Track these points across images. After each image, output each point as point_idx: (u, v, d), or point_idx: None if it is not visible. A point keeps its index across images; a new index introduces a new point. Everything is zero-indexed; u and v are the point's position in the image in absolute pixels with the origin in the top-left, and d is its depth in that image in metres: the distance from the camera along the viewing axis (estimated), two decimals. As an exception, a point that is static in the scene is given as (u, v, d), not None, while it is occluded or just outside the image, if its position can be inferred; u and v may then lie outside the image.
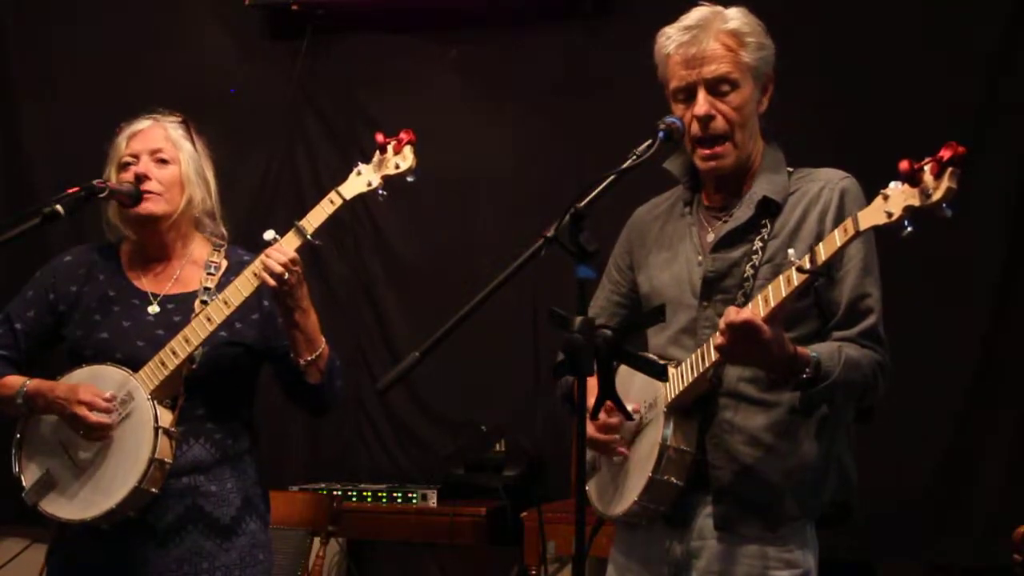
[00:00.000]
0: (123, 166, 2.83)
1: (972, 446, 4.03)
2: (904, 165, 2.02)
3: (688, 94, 2.45)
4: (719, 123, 2.44)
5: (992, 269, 4.03)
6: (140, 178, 2.79)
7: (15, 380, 2.78)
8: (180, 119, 2.91)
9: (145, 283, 2.86)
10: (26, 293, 2.88)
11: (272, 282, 2.66)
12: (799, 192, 2.47)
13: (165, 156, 2.83)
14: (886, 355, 2.40)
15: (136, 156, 2.82)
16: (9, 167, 5.02)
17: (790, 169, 2.52)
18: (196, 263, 2.88)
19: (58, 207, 2.66)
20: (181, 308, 2.81)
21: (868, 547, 3.94)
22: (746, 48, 2.44)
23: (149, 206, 2.80)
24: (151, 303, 2.83)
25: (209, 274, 2.85)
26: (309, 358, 2.77)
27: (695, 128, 2.45)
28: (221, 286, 2.81)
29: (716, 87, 2.43)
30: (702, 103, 2.43)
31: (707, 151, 2.46)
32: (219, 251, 2.90)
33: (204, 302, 2.78)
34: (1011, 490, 3.95)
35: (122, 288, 2.85)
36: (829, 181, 2.46)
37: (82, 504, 2.70)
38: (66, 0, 5.02)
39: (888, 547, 4.02)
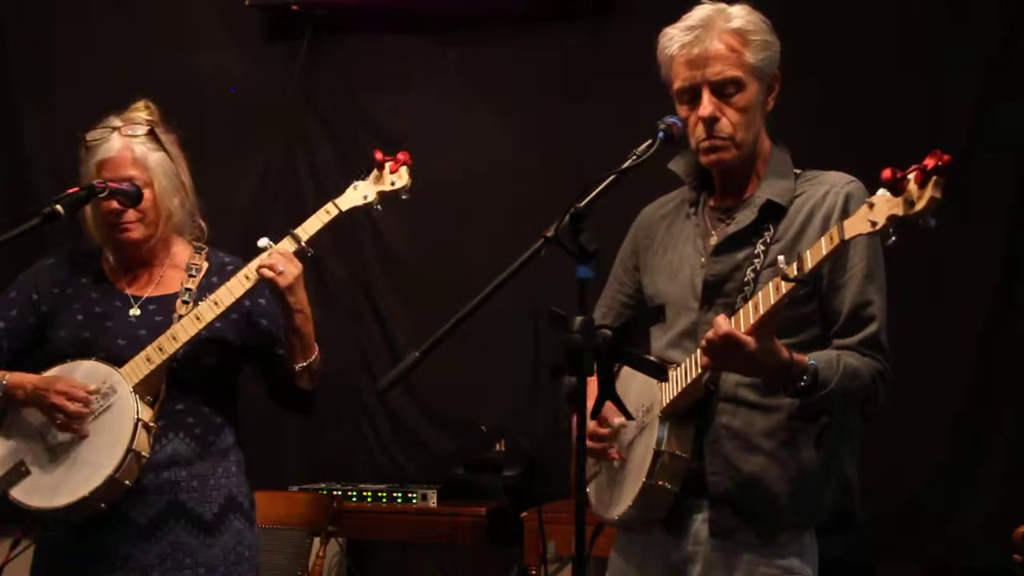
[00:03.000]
0: None
1: (972, 446, 4.02)
2: (887, 174, 1.99)
3: (692, 95, 2.43)
4: (724, 125, 2.42)
5: (992, 269, 4.03)
6: (117, 212, 2.80)
7: None
8: (146, 128, 2.87)
9: (127, 286, 2.89)
10: (9, 293, 2.91)
11: (269, 274, 2.73)
12: (804, 195, 2.44)
13: (137, 183, 2.82)
14: (888, 364, 2.38)
15: None
16: (9, 167, 5.02)
17: (797, 171, 2.50)
18: (177, 266, 2.92)
19: (58, 207, 2.67)
20: (162, 309, 2.85)
21: (868, 547, 3.94)
22: (750, 48, 2.41)
23: (131, 236, 2.84)
24: (132, 306, 2.86)
25: (190, 276, 2.89)
26: (303, 363, 2.84)
27: (700, 130, 2.43)
28: (202, 287, 2.87)
29: (721, 89, 2.40)
30: (707, 105, 2.41)
31: (708, 143, 2.44)
32: (200, 254, 2.94)
33: (185, 302, 2.83)
34: (1011, 490, 3.94)
35: (104, 291, 2.88)
36: (835, 185, 2.43)
37: (53, 492, 2.71)
38: (66, 0, 5.03)
39: (888, 547, 4.02)
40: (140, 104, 2.91)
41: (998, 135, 3.99)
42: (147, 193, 2.83)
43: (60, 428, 2.72)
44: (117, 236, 2.84)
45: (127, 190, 2.79)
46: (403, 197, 2.91)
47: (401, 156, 2.90)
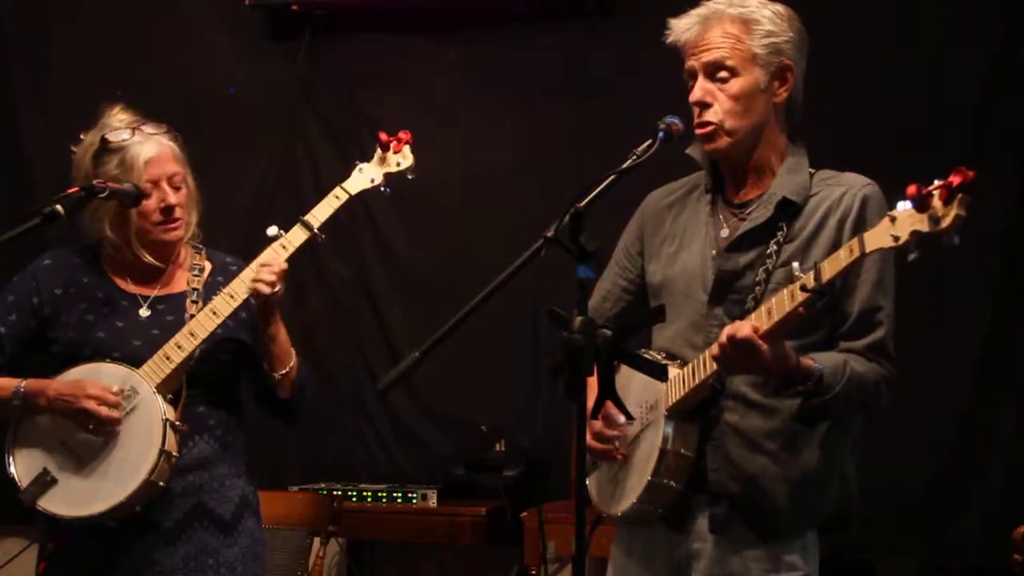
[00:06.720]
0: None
1: (973, 446, 4.02)
2: (912, 190, 1.97)
3: (695, 80, 2.45)
4: (714, 111, 2.42)
5: (992, 269, 4.03)
6: (170, 208, 2.80)
7: (8, 381, 2.77)
8: (175, 133, 2.89)
9: (131, 285, 2.88)
10: (7, 297, 2.86)
11: (267, 290, 2.73)
12: (820, 196, 2.43)
13: (179, 182, 2.84)
14: (892, 369, 2.38)
15: (155, 183, 2.80)
16: (9, 167, 5.02)
17: (812, 170, 2.49)
18: (180, 266, 2.92)
19: (58, 207, 2.66)
20: (172, 308, 2.84)
21: (868, 547, 3.94)
22: (752, 35, 2.41)
23: (179, 233, 2.84)
24: (141, 305, 2.85)
25: (195, 275, 2.89)
26: (282, 371, 2.84)
27: (695, 114, 2.44)
28: (208, 286, 2.87)
29: (714, 73, 2.41)
30: (696, 89, 2.43)
31: (700, 131, 2.45)
32: (200, 253, 2.94)
33: (194, 302, 2.82)
34: (1011, 490, 3.94)
35: (109, 290, 2.86)
36: (851, 187, 2.42)
37: (87, 500, 2.69)
38: (66, 0, 5.03)
39: (888, 547, 4.02)
40: (117, 108, 2.88)
41: (998, 135, 4.00)
42: (184, 192, 2.84)
43: (93, 433, 2.70)
44: (160, 236, 2.81)
45: (128, 191, 2.77)
46: (409, 177, 2.90)
47: (403, 135, 2.90)
